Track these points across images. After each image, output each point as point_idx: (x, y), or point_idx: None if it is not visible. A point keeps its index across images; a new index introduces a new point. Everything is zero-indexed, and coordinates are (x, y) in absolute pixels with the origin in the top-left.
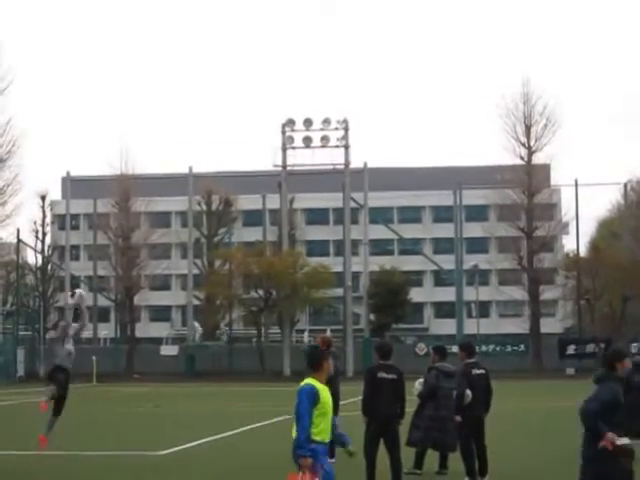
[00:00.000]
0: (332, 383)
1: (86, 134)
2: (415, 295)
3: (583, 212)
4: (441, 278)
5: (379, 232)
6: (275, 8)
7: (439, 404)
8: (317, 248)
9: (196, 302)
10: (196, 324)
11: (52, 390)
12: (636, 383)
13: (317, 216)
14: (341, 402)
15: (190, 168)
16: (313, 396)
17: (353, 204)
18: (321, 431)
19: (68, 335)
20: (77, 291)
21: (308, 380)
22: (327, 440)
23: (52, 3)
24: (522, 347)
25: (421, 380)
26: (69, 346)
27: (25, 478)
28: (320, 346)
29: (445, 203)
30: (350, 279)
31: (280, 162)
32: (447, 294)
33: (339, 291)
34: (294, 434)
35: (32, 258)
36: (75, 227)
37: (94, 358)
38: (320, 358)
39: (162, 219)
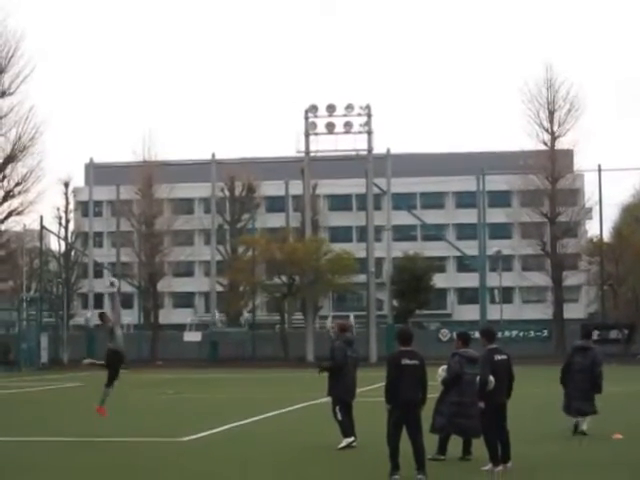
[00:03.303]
0: (348, 370)
1: (109, 121)
2: (438, 281)
3: (606, 197)
4: (464, 264)
5: (402, 218)
6: None
7: (462, 390)
8: (340, 234)
9: (219, 288)
10: (216, 314)
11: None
12: (576, 365)
13: (340, 202)
14: (365, 388)
15: (213, 154)
16: None
17: (376, 190)
18: None
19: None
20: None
21: None
22: None
23: None
24: (545, 333)
25: (444, 367)
26: (119, 332)
27: (47, 464)
28: (337, 331)
29: (468, 189)
30: (373, 265)
31: (303, 148)
32: (470, 280)
33: (362, 277)
34: None
35: (55, 245)
36: (98, 214)
37: None
38: None
39: (185, 205)
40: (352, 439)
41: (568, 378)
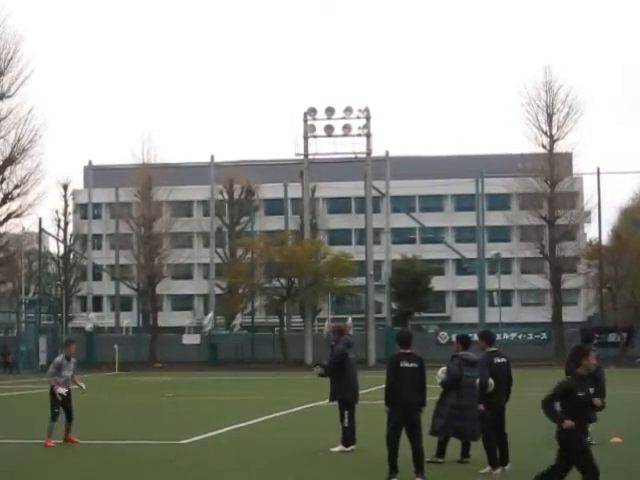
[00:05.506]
0: (347, 371)
1: (108, 123)
2: (437, 284)
3: (605, 200)
4: (463, 267)
5: (401, 221)
6: None
7: (462, 393)
8: (339, 237)
9: (218, 291)
10: (210, 315)
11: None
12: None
13: (339, 205)
14: (364, 391)
15: (212, 157)
16: None
17: (375, 193)
18: None
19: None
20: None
21: None
22: None
23: None
24: (544, 336)
25: (444, 369)
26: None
27: (47, 467)
28: (335, 334)
29: (467, 191)
30: (372, 268)
31: (302, 151)
32: (469, 283)
33: (361, 280)
34: None
35: (54, 247)
36: (97, 216)
37: (116, 347)
38: None
39: (184, 208)
40: (350, 449)
41: None
